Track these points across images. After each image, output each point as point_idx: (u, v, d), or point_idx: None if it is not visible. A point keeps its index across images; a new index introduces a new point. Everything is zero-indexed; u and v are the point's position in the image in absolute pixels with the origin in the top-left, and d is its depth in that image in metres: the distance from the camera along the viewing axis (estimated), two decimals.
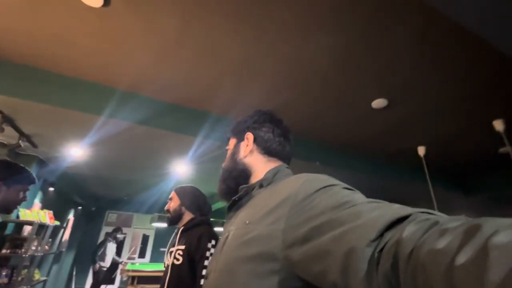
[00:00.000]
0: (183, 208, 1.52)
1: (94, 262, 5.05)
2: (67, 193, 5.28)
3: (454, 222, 0.26)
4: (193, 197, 1.56)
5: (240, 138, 0.74)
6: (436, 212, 0.32)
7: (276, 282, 0.42)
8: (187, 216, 1.51)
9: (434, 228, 0.26)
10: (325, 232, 0.37)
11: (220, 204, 6.75)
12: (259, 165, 0.69)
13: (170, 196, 1.59)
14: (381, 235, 0.31)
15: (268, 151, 0.70)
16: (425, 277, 0.24)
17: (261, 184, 0.63)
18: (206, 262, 1.26)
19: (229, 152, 0.76)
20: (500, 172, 3.55)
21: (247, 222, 0.52)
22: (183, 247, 1.34)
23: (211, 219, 1.66)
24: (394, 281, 0.28)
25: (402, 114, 2.59)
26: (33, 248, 3.02)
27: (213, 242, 1.35)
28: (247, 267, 0.45)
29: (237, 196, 0.65)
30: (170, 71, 2.14)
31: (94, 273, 4.95)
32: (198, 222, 1.47)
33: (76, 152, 3.08)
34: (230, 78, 2.18)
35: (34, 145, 2.85)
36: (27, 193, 1.22)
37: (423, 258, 0.24)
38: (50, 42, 1.88)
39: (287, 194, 0.49)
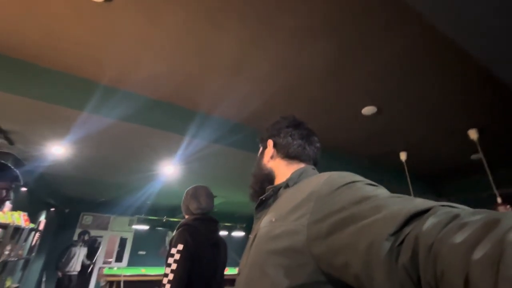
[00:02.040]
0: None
1: (57, 269, 4.75)
2: (40, 194, 4.94)
3: (474, 216, 0.26)
4: (185, 199, 1.53)
5: (264, 146, 0.81)
6: (457, 205, 0.32)
7: (302, 275, 0.43)
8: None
9: (454, 222, 0.27)
10: (347, 226, 0.39)
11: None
12: (281, 169, 0.73)
13: None
14: (401, 228, 0.32)
15: (287, 155, 0.74)
16: (443, 270, 0.24)
17: (286, 184, 0.65)
18: (167, 270, 1.19)
19: (256, 160, 0.82)
20: (472, 177, 3.84)
21: (274, 220, 0.54)
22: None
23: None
24: (414, 274, 0.28)
25: (389, 121, 2.73)
26: (6, 253, 2.80)
27: (179, 247, 1.25)
28: (275, 261, 0.47)
29: (264, 196, 0.67)
30: (156, 66, 2.07)
31: (58, 281, 4.63)
32: (179, 225, 1.41)
33: (57, 151, 2.91)
34: (221, 77, 2.17)
35: (10, 142, 2.66)
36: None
37: (442, 251, 0.25)
38: (30, 30, 1.75)
39: (310, 191, 0.51)
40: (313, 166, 0.73)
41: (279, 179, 0.71)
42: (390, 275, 0.30)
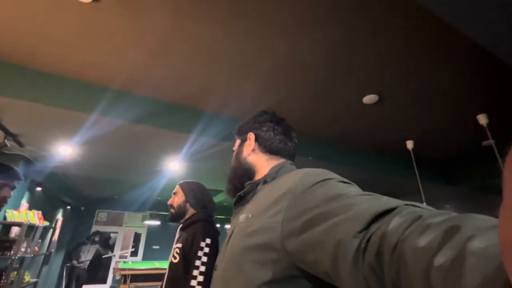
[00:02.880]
0: (187, 205, 1.43)
1: (70, 260, 5.00)
2: (55, 193, 5.15)
3: (436, 218, 0.26)
4: (199, 194, 1.47)
5: (244, 139, 0.77)
6: (421, 204, 0.33)
7: (277, 270, 0.45)
8: (191, 213, 1.43)
9: (417, 223, 0.27)
10: (318, 224, 0.39)
11: (221, 198, 6.76)
12: (262, 163, 0.72)
13: (174, 191, 1.50)
14: (367, 227, 0.32)
15: (269, 149, 0.73)
16: (406, 273, 0.25)
17: (265, 180, 0.65)
18: (197, 262, 1.19)
19: (234, 153, 0.79)
20: (483, 164, 3.71)
21: (250, 215, 0.56)
22: (180, 245, 1.29)
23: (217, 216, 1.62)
24: (379, 272, 0.29)
25: (392, 109, 2.65)
26: (23, 250, 2.95)
27: (207, 241, 1.26)
28: (251, 257, 0.48)
29: (242, 192, 0.68)
30: (163, 69, 2.11)
31: (70, 270, 4.88)
32: (195, 219, 1.38)
33: (65, 151, 3.01)
34: (223, 76, 2.18)
35: (20, 145, 2.76)
36: (13, 192, 1.17)
37: (406, 253, 0.25)
38: (37, 39, 1.81)
39: (286, 188, 0.52)
40: (291, 162, 0.73)
41: (260, 174, 0.70)
42: (356, 272, 0.31)
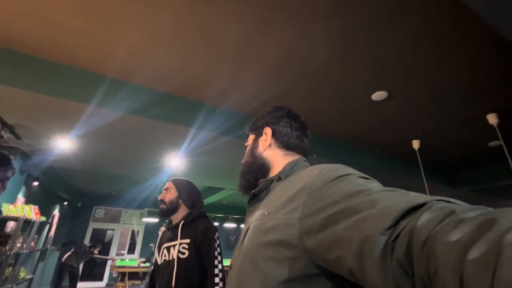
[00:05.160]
0: (180, 201, 1.47)
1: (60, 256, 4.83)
2: (52, 188, 5.06)
3: (470, 213, 0.25)
4: (190, 191, 1.53)
5: (259, 133, 0.76)
6: (453, 200, 0.31)
7: (295, 268, 0.43)
8: (182, 210, 1.47)
9: (449, 218, 0.26)
10: (340, 221, 0.38)
11: (213, 199, 6.69)
12: (278, 159, 0.70)
13: (166, 186, 1.52)
14: (395, 223, 0.31)
15: (286, 145, 0.71)
16: (437, 268, 0.24)
17: (279, 177, 0.64)
18: (216, 253, 1.28)
19: (248, 148, 0.77)
20: (489, 165, 3.66)
21: (266, 213, 0.54)
22: (187, 240, 1.32)
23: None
24: (408, 269, 0.28)
25: (401, 107, 2.60)
26: (18, 245, 2.87)
27: (217, 234, 1.36)
28: (267, 254, 0.47)
29: (256, 189, 0.66)
30: (162, 58, 2.03)
31: (60, 267, 4.71)
32: (198, 215, 1.44)
33: (63, 144, 2.93)
34: (225, 67, 2.10)
35: (17, 137, 2.68)
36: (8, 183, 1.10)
37: (437, 248, 0.24)
38: (33, 23, 1.73)
39: (303, 184, 0.50)
40: (305, 158, 0.72)
41: (275, 170, 0.69)
42: (384, 270, 0.30)
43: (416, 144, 3.24)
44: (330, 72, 2.12)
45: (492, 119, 2.57)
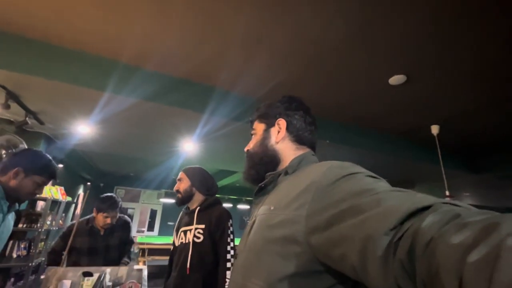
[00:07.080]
0: (193, 189, 1.54)
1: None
2: (76, 169, 5.35)
3: (476, 217, 0.25)
4: (202, 178, 1.58)
5: (270, 124, 0.73)
6: (460, 203, 0.31)
7: (299, 264, 0.44)
8: (198, 197, 1.53)
9: (454, 221, 0.27)
10: (345, 219, 0.39)
11: (226, 181, 6.83)
12: (289, 153, 0.69)
13: (178, 177, 1.59)
14: (400, 224, 0.32)
15: (299, 139, 0.70)
16: (438, 269, 0.24)
17: (286, 172, 0.64)
18: (229, 239, 1.35)
19: (257, 137, 0.74)
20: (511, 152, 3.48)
21: (272, 208, 0.55)
22: (202, 226, 1.39)
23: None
24: (410, 269, 0.28)
25: (420, 91, 2.47)
26: (48, 223, 3.11)
27: (230, 221, 1.42)
28: (272, 248, 0.48)
29: (263, 183, 0.66)
30: (174, 42, 2.00)
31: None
32: (213, 201, 1.51)
33: (83, 130, 3.05)
34: (236, 50, 2.05)
35: (40, 122, 2.82)
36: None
37: (439, 249, 0.25)
38: (49, 11, 1.75)
39: (310, 181, 0.50)
40: (313, 152, 0.71)
41: (284, 164, 0.68)
42: (386, 269, 0.31)
43: (435, 129, 3.11)
44: (345, 54, 2.04)
45: None
